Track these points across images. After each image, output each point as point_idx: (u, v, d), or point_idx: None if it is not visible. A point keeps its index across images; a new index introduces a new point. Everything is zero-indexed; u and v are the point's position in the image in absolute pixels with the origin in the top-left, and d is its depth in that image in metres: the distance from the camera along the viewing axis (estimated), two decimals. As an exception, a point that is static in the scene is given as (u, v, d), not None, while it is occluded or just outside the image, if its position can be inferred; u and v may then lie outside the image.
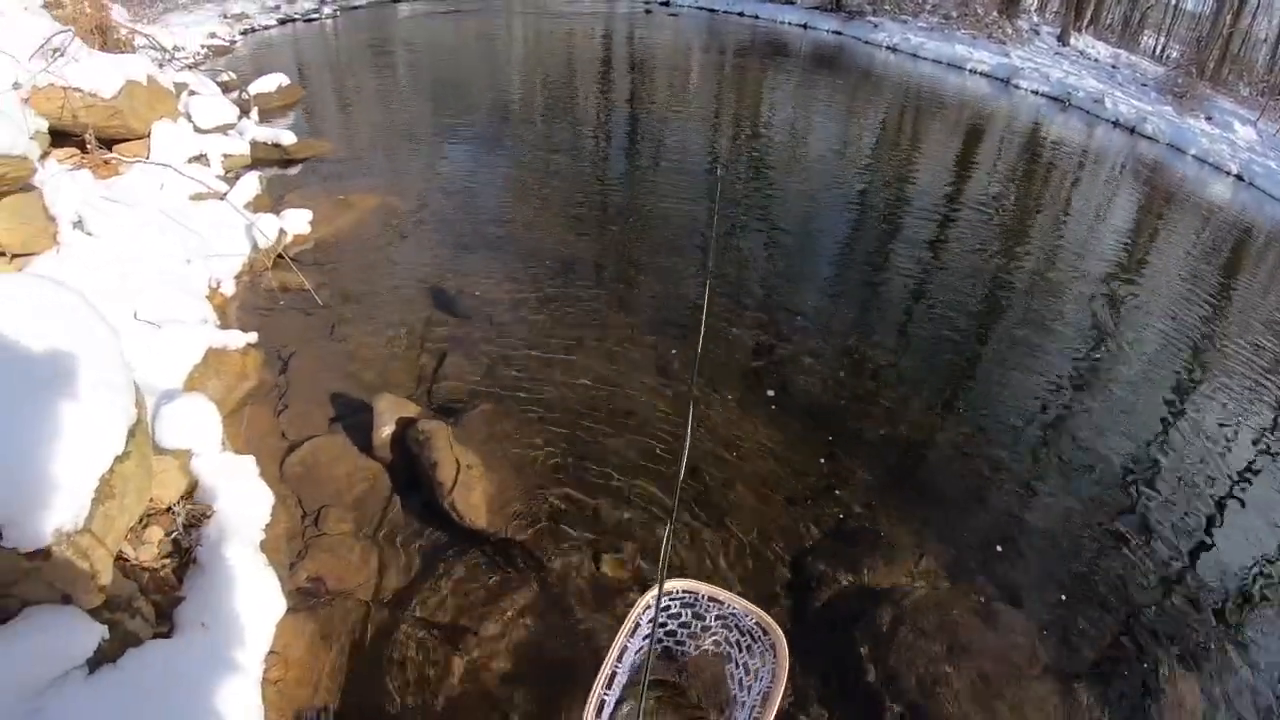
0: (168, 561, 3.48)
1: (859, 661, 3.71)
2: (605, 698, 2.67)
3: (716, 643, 3.16)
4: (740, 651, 3.03)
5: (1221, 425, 6.46)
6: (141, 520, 3.53)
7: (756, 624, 2.95)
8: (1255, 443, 6.38)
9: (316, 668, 3.38)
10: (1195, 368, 7.40)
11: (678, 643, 3.21)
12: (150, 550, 3.48)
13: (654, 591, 2.90)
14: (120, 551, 3.31)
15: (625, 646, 2.83)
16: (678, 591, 3.05)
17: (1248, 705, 3.97)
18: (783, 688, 2.71)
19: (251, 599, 3.41)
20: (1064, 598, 4.37)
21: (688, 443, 2.27)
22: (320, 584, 3.73)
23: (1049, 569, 4.56)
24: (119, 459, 2.94)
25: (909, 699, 3.52)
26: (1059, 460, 5.56)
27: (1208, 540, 5.09)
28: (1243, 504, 5.54)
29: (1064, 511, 5.05)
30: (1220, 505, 5.46)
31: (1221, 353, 7.83)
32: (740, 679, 3.02)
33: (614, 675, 2.73)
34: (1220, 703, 3.95)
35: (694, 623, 3.13)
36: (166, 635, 3.15)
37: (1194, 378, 7.21)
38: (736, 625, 3.03)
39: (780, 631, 2.87)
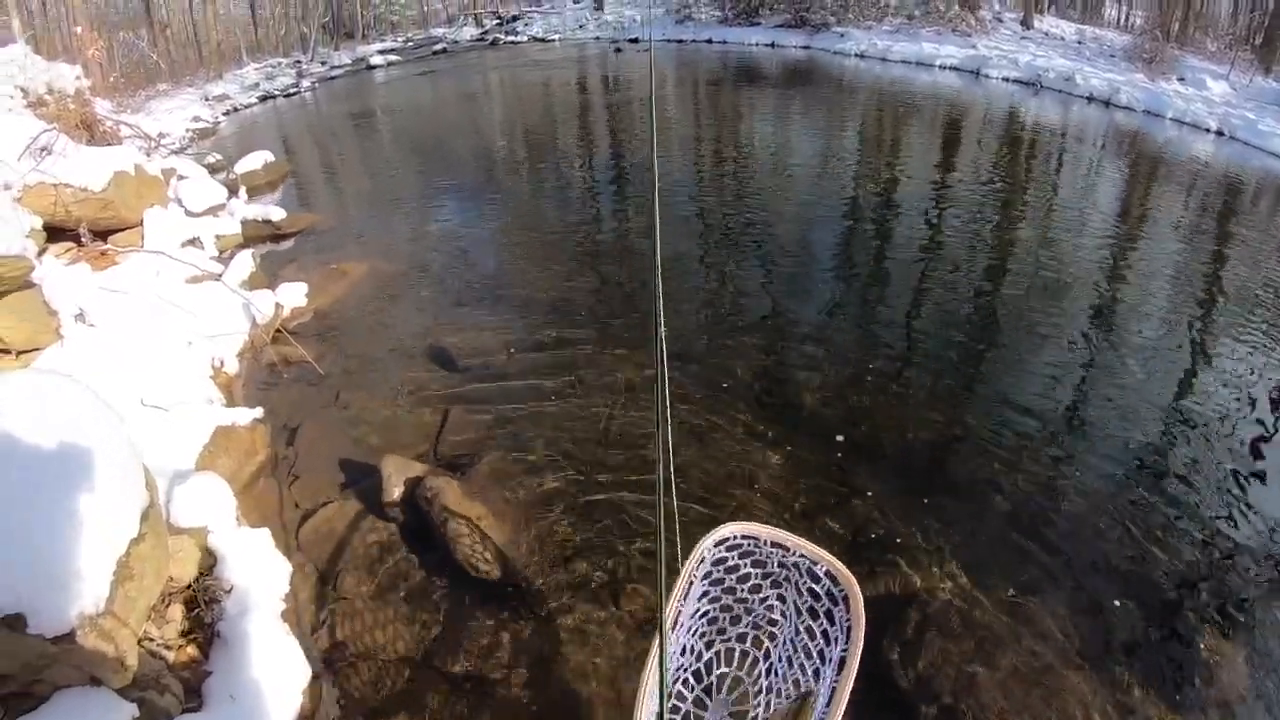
0: (192, 638, 3.55)
1: (889, 669, 3.66)
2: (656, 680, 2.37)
3: (781, 597, 2.77)
4: (803, 613, 2.66)
5: (1241, 387, 6.32)
6: (164, 599, 3.59)
7: (827, 573, 2.59)
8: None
9: (347, 731, 3.42)
10: (1208, 328, 7.30)
11: (738, 599, 2.82)
12: (174, 628, 3.54)
13: (708, 541, 2.65)
14: (145, 631, 3.37)
15: (679, 611, 2.58)
16: (736, 538, 2.71)
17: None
18: (860, 649, 2.38)
19: (277, 668, 3.46)
20: (1094, 582, 4.29)
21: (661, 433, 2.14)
22: (343, 648, 3.78)
23: (1076, 554, 4.48)
24: (134, 541, 3.02)
25: (942, 702, 3.47)
26: (1077, 442, 5.49)
27: (1242, 505, 4.97)
28: (1273, 466, 5.37)
29: (1087, 493, 4.96)
30: (1250, 466, 5.34)
31: (1232, 309, 7.72)
32: (807, 641, 2.64)
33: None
34: (1266, 672, 3.86)
35: (754, 572, 2.76)
36: (196, 710, 3.21)
37: (1208, 338, 7.10)
38: (803, 575, 2.66)
39: (855, 582, 2.53)
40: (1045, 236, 9.33)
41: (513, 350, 6.41)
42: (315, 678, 3.55)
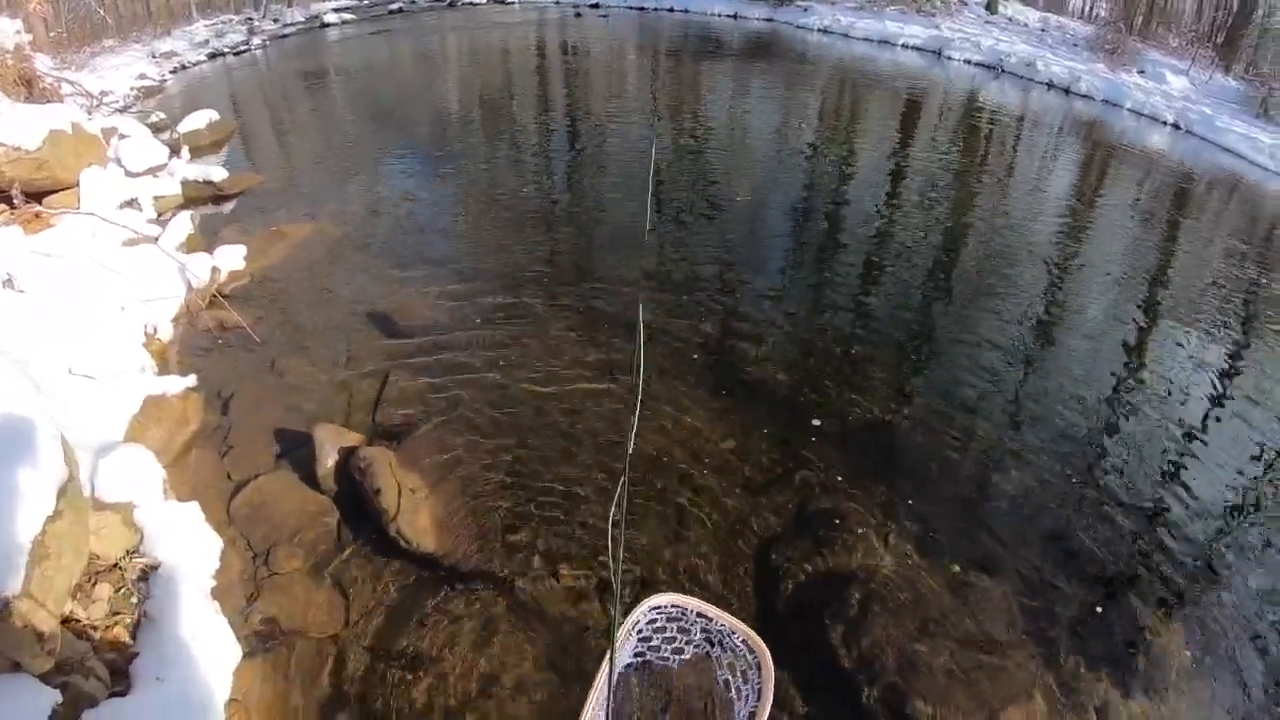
0: (119, 618, 3.42)
1: (832, 648, 3.68)
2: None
3: (701, 658, 3.11)
4: (723, 669, 2.99)
5: (1183, 369, 6.53)
6: (89, 579, 3.46)
7: (743, 641, 2.93)
8: (1218, 382, 6.44)
9: (279, 711, 3.33)
10: (1152, 315, 7.50)
11: (661, 659, 3.13)
12: (100, 608, 3.41)
13: (644, 606, 2.95)
14: (70, 612, 3.24)
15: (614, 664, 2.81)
16: (666, 606, 3.02)
17: (1232, 647, 4.01)
18: (769, 707, 2.70)
19: (206, 648, 3.36)
20: (1038, 560, 4.38)
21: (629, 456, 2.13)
22: (275, 625, 3.67)
23: (1020, 532, 4.57)
24: (50, 519, 2.90)
25: (886, 680, 3.50)
26: (1022, 421, 5.60)
27: (1180, 486, 5.14)
28: (1211, 446, 5.59)
29: (1031, 472, 5.06)
30: (1188, 449, 5.52)
31: (1176, 297, 7.94)
32: (724, 697, 2.99)
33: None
34: (1205, 647, 3.99)
35: (679, 637, 3.07)
36: (123, 694, 3.11)
37: (1151, 324, 7.30)
38: (722, 641, 3.00)
39: (766, 649, 2.85)
40: (999, 220, 9.43)
41: (457, 322, 6.28)
42: (246, 656, 3.46)
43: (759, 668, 2.85)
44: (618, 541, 2.00)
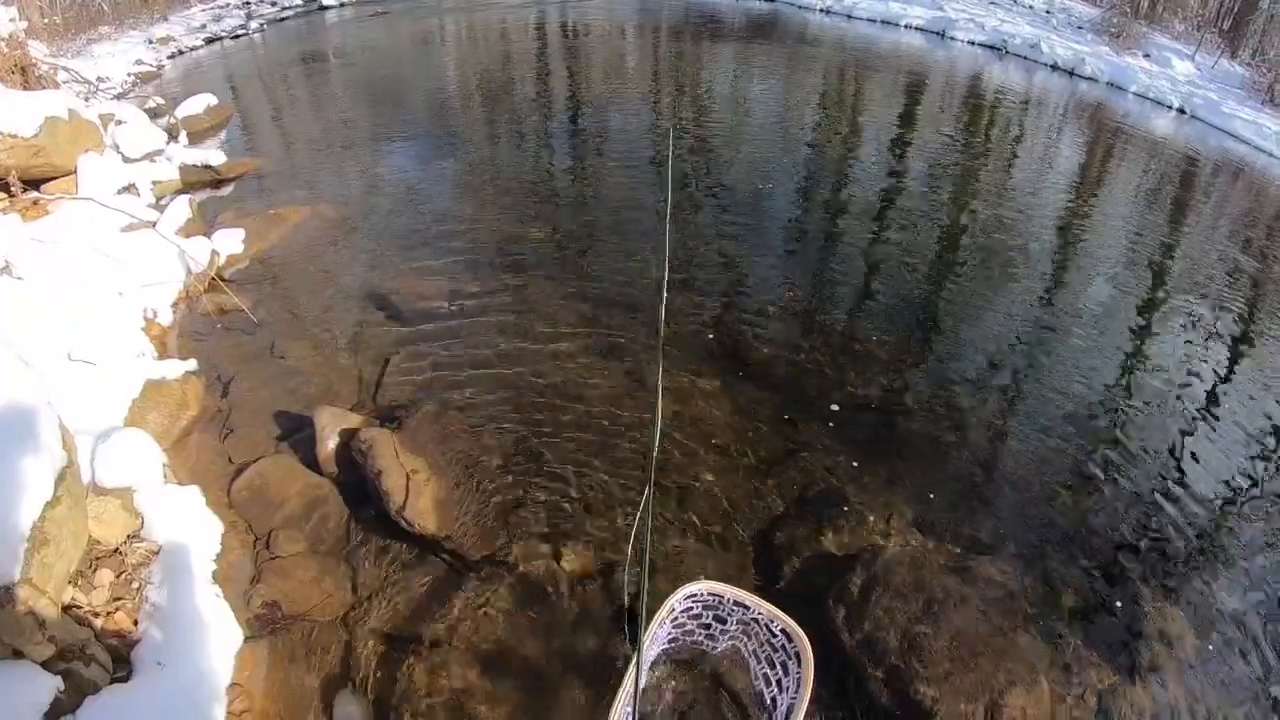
0: (120, 603, 3.41)
1: (834, 629, 3.66)
2: (627, 711, 2.65)
3: (735, 648, 3.11)
4: (760, 661, 2.98)
5: (1184, 354, 6.53)
6: (91, 565, 3.45)
7: (782, 630, 2.90)
8: (1219, 368, 6.43)
9: (281, 695, 3.33)
10: (1154, 300, 7.46)
11: (695, 646, 3.16)
12: (101, 594, 3.40)
13: (679, 594, 2.93)
14: (71, 598, 3.23)
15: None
16: (702, 593, 3.01)
17: (1233, 631, 4.00)
18: (808, 697, 2.67)
19: (208, 632, 3.35)
20: (1040, 543, 4.37)
21: (654, 449, 2.10)
22: (276, 609, 3.67)
23: (1023, 515, 4.56)
24: (49, 505, 2.88)
25: (889, 663, 3.48)
26: (1025, 404, 5.59)
27: (1182, 470, 5.14)
28: (1213, 430, 5.60)
29: (1034, 455, 5.06)
30: (1190, 433, 5.52)
31: (1178, 283, 7.91)
32: (761, 689, 2.98)
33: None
34: (1207, 631, 3.98)
35: (714, 625, 3.07)
36: (124, 680, 3.09)
37: (1153, 310, 7.27)
38: (761, 630, 2.98)
39: (806, 639, 2.82)
40: (1001, 203, 9.36)
41: (458, 303, 6.24)
42: (248, 640, 3.46)
43: (798, 658, 2.82)
44: (643, 538, 1.97)
